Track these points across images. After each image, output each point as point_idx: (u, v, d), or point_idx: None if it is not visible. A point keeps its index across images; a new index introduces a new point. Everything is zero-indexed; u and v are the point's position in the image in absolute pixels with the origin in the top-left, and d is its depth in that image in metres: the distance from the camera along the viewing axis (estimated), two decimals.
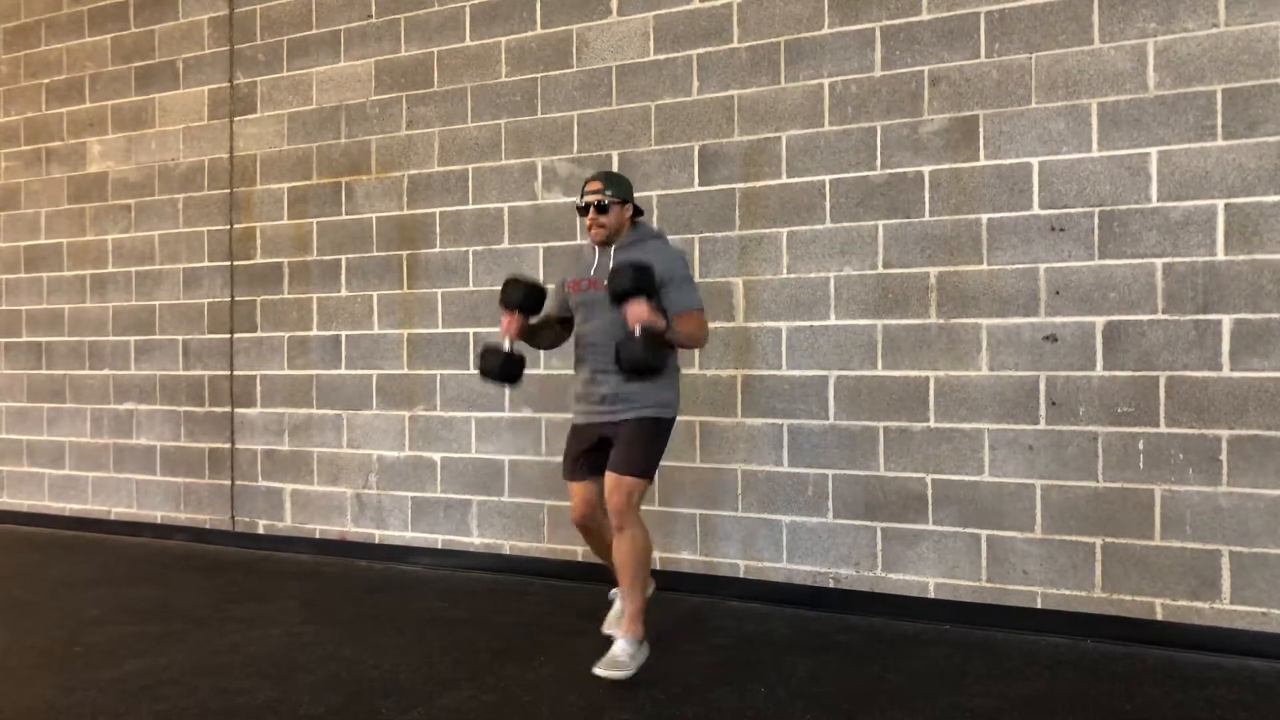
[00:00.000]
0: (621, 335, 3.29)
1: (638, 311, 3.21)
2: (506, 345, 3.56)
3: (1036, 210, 4.01)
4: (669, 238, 3.84)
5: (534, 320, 3.64)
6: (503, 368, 3.55)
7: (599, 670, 3.31)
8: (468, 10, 5.24)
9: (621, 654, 3.36)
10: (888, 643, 3.87)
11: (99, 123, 6.45)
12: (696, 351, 4.61)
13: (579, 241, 4.82)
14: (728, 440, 4.57)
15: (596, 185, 3.49)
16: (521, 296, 3.53)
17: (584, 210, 3.50)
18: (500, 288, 3.61)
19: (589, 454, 3.54)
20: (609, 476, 3.41)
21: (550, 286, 3.76)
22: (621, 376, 3.34)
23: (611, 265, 3.41)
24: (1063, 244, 3.97)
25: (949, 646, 3.82)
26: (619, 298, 3.24)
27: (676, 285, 3.40)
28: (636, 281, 3.23)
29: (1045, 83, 4.01)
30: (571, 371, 3.68)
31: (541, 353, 4.93)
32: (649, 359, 3.20)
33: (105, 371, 6.37)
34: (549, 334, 3.73)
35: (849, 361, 4.33)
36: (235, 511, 5.91)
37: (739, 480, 4.54)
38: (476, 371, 3.65)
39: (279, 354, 5.77)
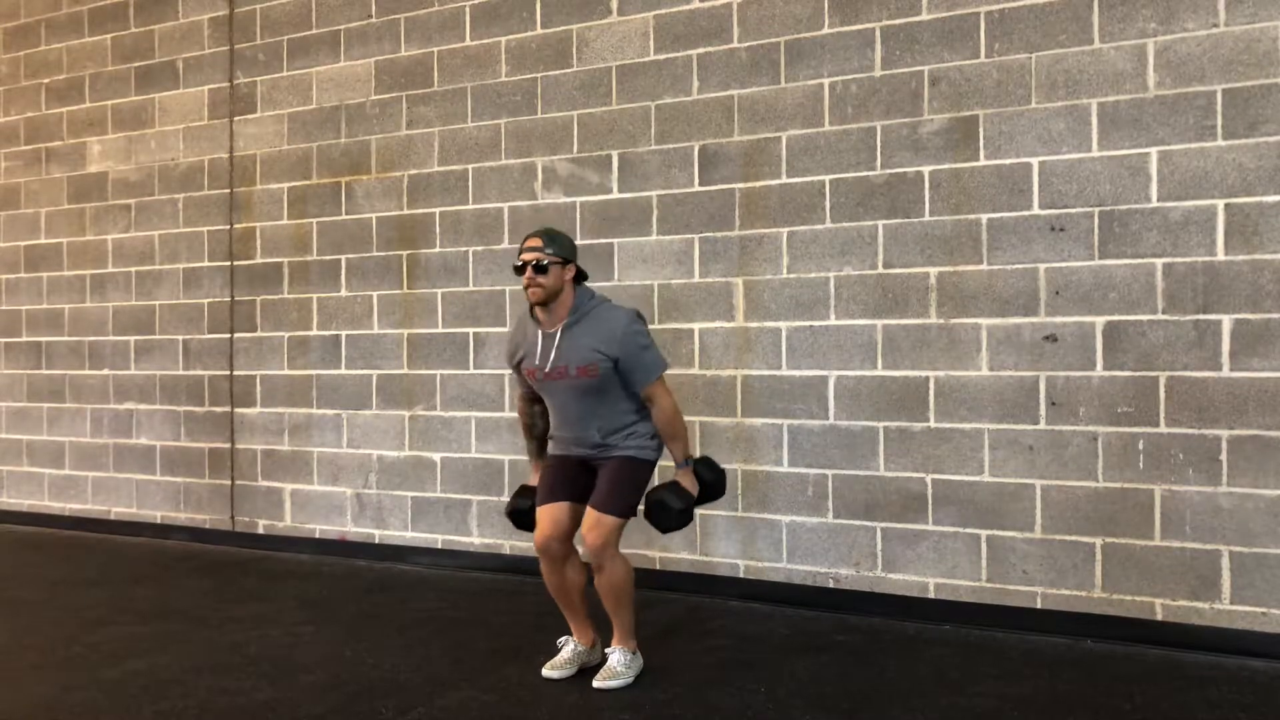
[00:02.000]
0: (585, 407, 3.34)
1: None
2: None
3: (1036, 210, 4.01)
4: (615, 302, 3.57)
5: (536, 444, 3.63)
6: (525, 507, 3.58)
7: (597, 683, 3.31)
8: (468, 10, 5.24)
9: (618, 664, 3.37)
10: (888, 643, 3.87)
11: (99, 123, 6.45)
12: (696, 352, 4.61)
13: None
14: (728, 440, 4.57)
15: (535, 243, 3.27)
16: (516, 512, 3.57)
17: (520, 269, 3.27)
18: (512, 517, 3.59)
19: (572, 475, 3.42)
20: (589, 513, 3.30)
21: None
22: (598, 439, 3.38)
23: (565, 354, 3.32)
24: (1063, 244, 3.97)
25: (949, 646, 3.82)
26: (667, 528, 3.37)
27: (636, 359, 3.28)
28: (679, 520, 3.38)
29: (1045, 83, 4.01)
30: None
31: None
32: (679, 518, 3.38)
33: (105, 371, 6.37)
34: (539, 424, 3.60)
35: (849, 361, 4.33)
36: (235, 511, 5.91)
37: (739, 480, 4.54)
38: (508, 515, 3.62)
39: (279, 354, 5.77)
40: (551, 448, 3.54)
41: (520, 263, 3.28)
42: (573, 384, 3.31)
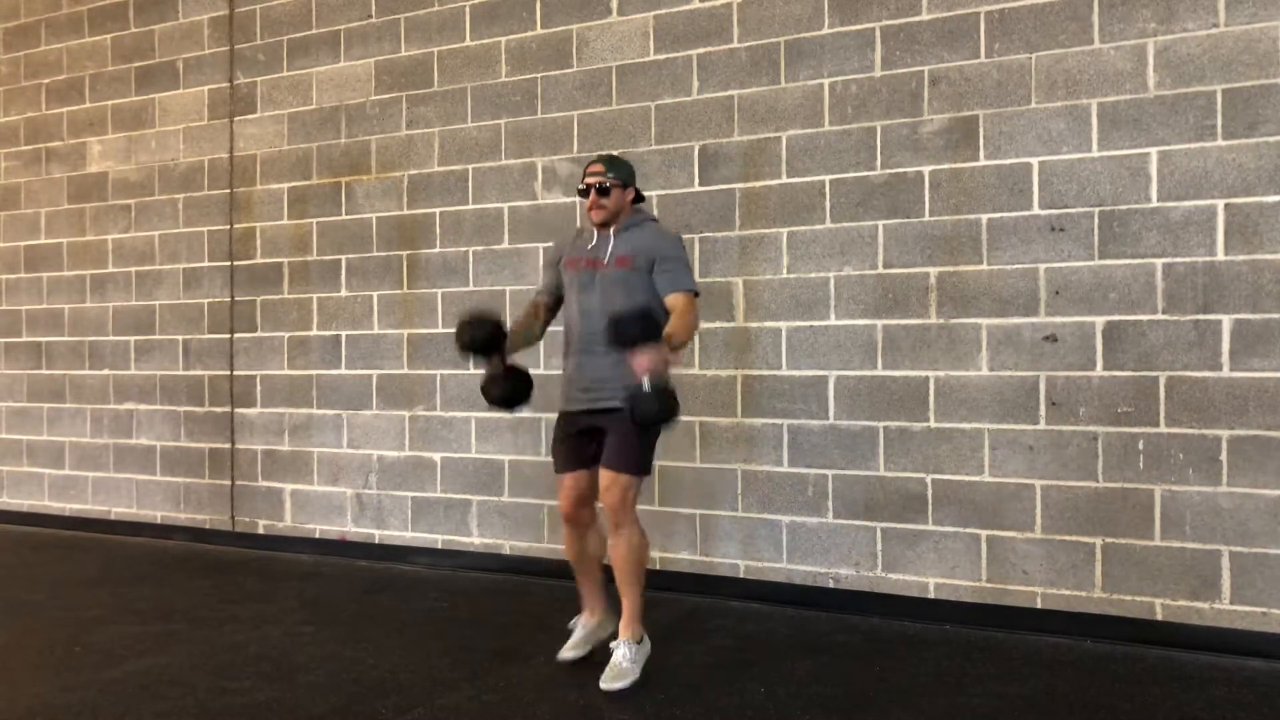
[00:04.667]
0: (608, 303, 3.31)
1: (645, 363, 3.07)
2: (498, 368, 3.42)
3: (1036, 210, 4.01)
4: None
5: (508, 336, 3.46)
6: (508, 392, 3.41)
7: (605, 684, 3.27)
8: (468, 10, 5.24)
9: (623, 660, 3.33)
10: (888, 643, 3.87)
11: (99, 123, 6.45)
12: (696, 352, 4.61)
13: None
14: (728, 440, 4.57)
15: (598, 168, 3.47)
16: (470, 340, 3.38)
17: (584, 192, 3.46)
18: (455, 332, 3.41)
19: (579, 445, 3.45)
20: (604, 473, 3.34)
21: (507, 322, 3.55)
22: (610, 359, 3.28)
23: (610, 249, 3.43)
24: (1063, 244, 3.97)
25: (949, 646, 3.82)
26: (624, 344, 3.11)
27: (671, 265, 3.37)
28: (642, 330, 3.11)
29: (1045, 83, 4.01)
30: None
31: (543, 353, 4.93)
32: (661, 410, 3.10)
33: (105, 371, 6.37)
34: (535, 330, 3.60)
35: (849, 361, 4.33)
36: (235, 511, 5.91)
37: (739, 480, 4.54)
38: (485, 400, 3.47)
39: (279, 354, 5.77)
40: (562, 394, 3.50)
41: (584, 186, 3.47)
42: (605, 275, 3.40)
